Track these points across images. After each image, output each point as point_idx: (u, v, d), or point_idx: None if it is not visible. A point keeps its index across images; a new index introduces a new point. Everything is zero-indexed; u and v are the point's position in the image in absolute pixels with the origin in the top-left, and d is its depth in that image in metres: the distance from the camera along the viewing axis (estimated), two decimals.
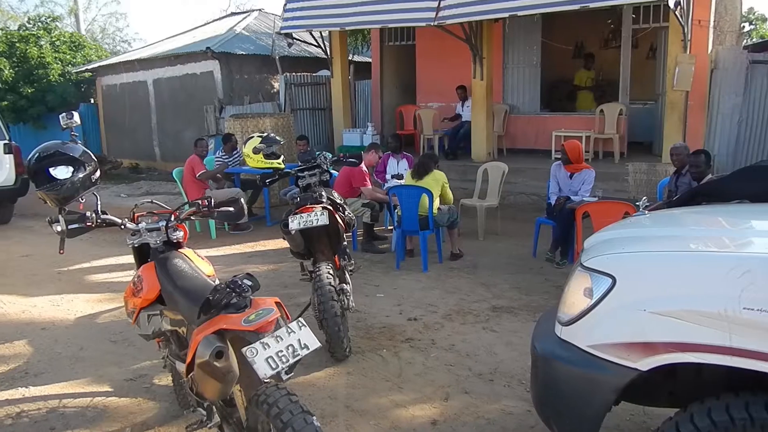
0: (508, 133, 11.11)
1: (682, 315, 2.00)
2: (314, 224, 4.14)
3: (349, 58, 12.82)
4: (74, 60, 17.51)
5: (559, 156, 6.71)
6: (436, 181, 6.41)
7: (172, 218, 2.94)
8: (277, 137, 7.99)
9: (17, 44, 16.61)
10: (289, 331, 2.19)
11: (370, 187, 7.10)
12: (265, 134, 8.07)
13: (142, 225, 2.94)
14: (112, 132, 16.37)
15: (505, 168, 7.68)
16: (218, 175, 8.29)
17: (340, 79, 11.65)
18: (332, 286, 4.02)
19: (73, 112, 2.90)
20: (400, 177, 7.54)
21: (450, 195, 6.62)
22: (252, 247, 7.51)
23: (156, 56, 14.43)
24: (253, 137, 8.05)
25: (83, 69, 16.58)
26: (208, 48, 12.85)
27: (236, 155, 8.61)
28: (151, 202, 3.17)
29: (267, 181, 4.77)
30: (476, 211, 7.47)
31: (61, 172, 2.70)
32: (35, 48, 16.70)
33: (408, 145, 10.80)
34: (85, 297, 5.74)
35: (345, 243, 4.51)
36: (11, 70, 16.09)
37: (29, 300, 5.70)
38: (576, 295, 2.30)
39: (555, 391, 2.32)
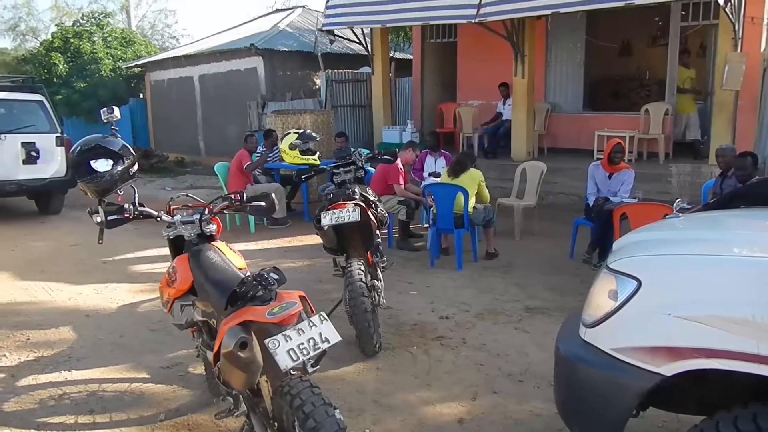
0: (550, 132, 10.95)
1: (708, 320, 1.95)
2: (346, 220, 4.17)
3: (391, 55, 12.83)
4: (125, 56, 18.05)
5: (602, 157, 6.58)
6: (473, 179, 6.38)
7: (206, 212, 3.02)
8: (313, 134, 8.05)
9: (71, 40, 17.24)
10: (311, 324, 2.23)
11: (403, 185, 7.11)
12: (302, 131, 8.16)
13: (177, 218, 3.02)
14: (159, 126, 16.82)
15: (543, 167, 7.58)
16: (257, 170, 8.47)
17: (381, 76, 11.66)
18: (363, 282, 4.05)
19: (114, 107, 3.00)
20: (437, 175, 7.51)
21: (486, 194, 6.57)
22: (290, 242, 7.62)
23: (202, 52, 14.75)
24: (289, 133, 8.14)
25: (133, 64, 17.07)
26: (252, 45, 13.05)
27: (276, 151, 8.75)
28: (186, 195, 3.26)
29: (302, 176, 4.86)
30: (513, 210, 7.41)
31: (101, 165, 2.79)
32: (88, 43, 17.30)
33: (448, 143, 10.76)
34: (127, 286, 5.93)
35: (378, 240, 4.53)
36: (65, 65, 16.69)
37: (76, 288, 5.92)
38: (600, 297, 2.27)
39: (577, 393, 2.30)
